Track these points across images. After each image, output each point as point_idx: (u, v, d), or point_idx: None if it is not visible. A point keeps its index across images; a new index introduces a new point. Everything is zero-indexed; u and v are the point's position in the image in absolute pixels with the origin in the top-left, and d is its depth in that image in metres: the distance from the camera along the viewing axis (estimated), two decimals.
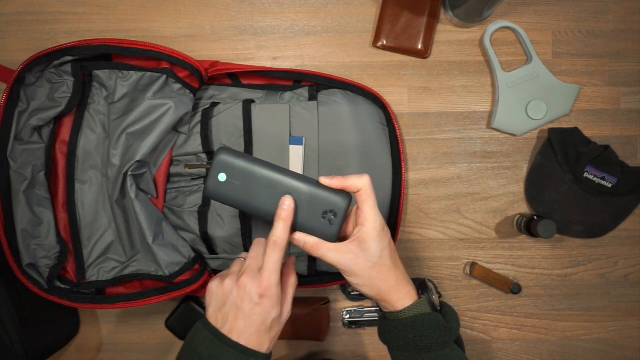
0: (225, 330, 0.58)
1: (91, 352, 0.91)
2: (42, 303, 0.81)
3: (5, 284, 0.76)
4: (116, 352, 0.91)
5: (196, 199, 0.84)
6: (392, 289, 0.62)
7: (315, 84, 0.85)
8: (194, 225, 0.83)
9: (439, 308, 0.65)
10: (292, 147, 0.82)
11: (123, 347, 0.91)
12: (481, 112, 0.91)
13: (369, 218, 0.60)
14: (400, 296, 0.63)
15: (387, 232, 0.63)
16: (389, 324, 0.64)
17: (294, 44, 0.90)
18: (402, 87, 0.90)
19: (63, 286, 0.80)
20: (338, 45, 0.90)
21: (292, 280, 0.62)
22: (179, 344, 0.91)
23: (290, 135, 0.82)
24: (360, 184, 0.60)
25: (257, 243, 0.62)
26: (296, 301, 0.87)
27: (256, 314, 0.57)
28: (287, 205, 0.60)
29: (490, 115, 0.90)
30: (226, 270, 0.63)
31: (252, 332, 0.57)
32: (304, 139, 0.82)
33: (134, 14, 0.89)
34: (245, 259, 0.61)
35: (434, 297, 0.64)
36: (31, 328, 0.78)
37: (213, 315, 0.59)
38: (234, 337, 0.57)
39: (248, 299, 0.57)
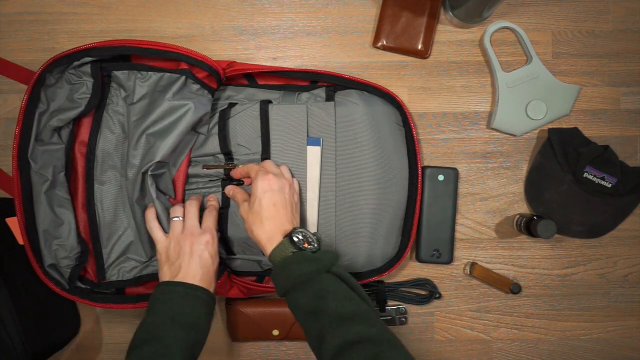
0: None
1: (91, 352, 0.91)
2: (43, 303, 0.81)
3: (6, 284, 0.76)
4: (116, 352, 0.91)
5: None
6: (266, 238, 0.73)
7: (332, 84, 0.85)
8: None
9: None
10: (309, 147, 0.82)
11: (123, 347, 0.90)
12: (481, 112, 0.91)
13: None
14: (273, 242, 0.72)
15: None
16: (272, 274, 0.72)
17: (294, 44, 0.90)
18: (402, 87, 0.90)
19: (84, 286, 0.81)
20: (338, 46, 0.90)
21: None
22: None
23: (307, 135, 0.82)
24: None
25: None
26: None
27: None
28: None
29: (490, 115, 0.90)
30: None
31: None
32: (321, 139, 0.82)
33: (134, 14, 0.89)
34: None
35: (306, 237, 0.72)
36: (32, 328, 0.78)
37: None
38: None
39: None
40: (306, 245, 0.70)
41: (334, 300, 0.65)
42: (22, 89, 0.83)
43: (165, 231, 0.77)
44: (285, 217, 0.74)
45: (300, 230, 0.72)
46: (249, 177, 0.80)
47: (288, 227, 0.73)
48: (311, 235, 0.72)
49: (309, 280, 0.67)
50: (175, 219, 0.77)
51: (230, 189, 0.81)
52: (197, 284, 0.72)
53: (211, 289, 0.74)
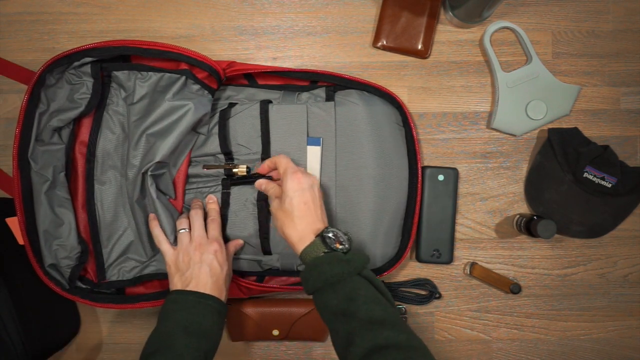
0: None
1: (91, 352, 0.91)
2: (43, 303, 0.81)
3: (6, 284, 0.76)
4: (116, 352, 0.91)
5: None
6: (297, 236, 0.72)
7: (332, 84, 0.85)
8: None
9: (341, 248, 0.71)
10: (309, 147, 0.82)
11: (123, 347, 0.91)
12: (481, 112, 0.91)
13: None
14: (305, 241, 0.71)
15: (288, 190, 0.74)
16: (301, 273, 0.71)
17: (294, 44, 0.90)
18: (402, 87, 0.90)
19: (84, 286, 0.81)
20: (338, 46, 0.90)
21: None
22: None
23: (307, 135, 0.82)
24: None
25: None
26: (296, 301, 0.87)
27: None
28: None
29: (490, 115, 0.90)
30: None
31: None
32: (321, 139, 0.82)
33: (134, 14, 0.89)
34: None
35: (338, 237, 0.71)
36: (32, 328, 0.78)
37: None
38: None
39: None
40: (337, 245, 0.70)
41: (364, 304, 0.65)
42: (22, 89, 0.84)
43: (169, 239, 0.78)
44: (316, 216, 0.73)
45: (332, 229, 0.71)
46: (275, 169, 0.79)
47: (320, 226, 0.72)
48: (342, 235, 0.71)
49: (339, 281, 0.67)
50: (182, 231, 0.78)
51: (263, 183, 0.79)
52: (208, 293, 0.73)
53: (222, 297, 0.74)
